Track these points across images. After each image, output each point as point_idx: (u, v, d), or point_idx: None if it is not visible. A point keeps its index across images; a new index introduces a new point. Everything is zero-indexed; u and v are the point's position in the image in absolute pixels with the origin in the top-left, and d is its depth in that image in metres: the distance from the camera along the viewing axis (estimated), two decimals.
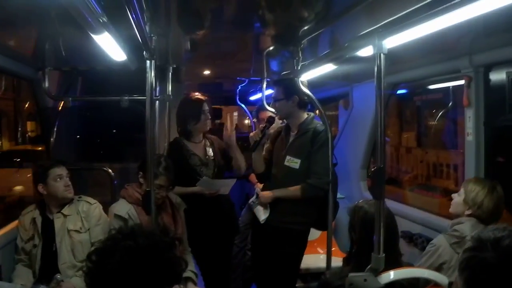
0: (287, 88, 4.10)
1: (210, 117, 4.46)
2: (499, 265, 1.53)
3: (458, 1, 1.91)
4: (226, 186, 4.37)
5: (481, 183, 3.17)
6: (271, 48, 4.13)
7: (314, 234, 5.01)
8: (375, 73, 2.23)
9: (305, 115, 4.15)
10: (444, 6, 1.97)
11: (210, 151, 4.47)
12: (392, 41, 2.36)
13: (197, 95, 4.46)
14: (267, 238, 4.14)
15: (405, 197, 6.12)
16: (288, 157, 4.06)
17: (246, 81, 6.43)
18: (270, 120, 4.20)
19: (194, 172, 4.33)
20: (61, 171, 3.79)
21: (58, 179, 3.75)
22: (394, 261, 2.52)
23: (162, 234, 1.79)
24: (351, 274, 2.16)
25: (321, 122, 4.09)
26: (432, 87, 5.38)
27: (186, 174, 4.28)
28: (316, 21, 3.21)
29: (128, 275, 1.63)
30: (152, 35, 3.16)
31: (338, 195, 4.86)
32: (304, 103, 4.14)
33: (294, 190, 4.00)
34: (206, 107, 4.40)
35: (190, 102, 4.44)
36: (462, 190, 3.22)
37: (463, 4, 1.91)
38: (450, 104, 5.64)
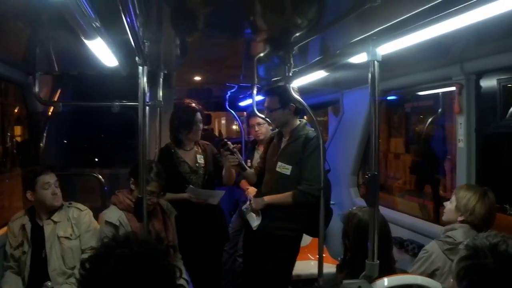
0: (282, 96, 4.09)
1: (201, 128, 4.51)
2: (499, 270, 1.54)
3: (451, 10, 1.93)
4: (214, 197, 4.39)
5: (472, 189, 3.19)
6: (262, 54, 4.12)
7: (305, 240, 4.98)
8: (369, 80, 2.24)
9: (298, 122, 4.16)
10: (438, 15, 1.99)
11: (201, 159, 4.50)
12: (385, 49, 2.37)
13: (191, 103, 4.46)
14: (259, 244, 4.14)
15: (393, 202, 6.15)
16: (279, 163, 4.06)
17: (236, 87, 6.42)
18: (223, 144, 4.29)
19: (183, 179, 4.38)
20: (50, 178, 3.75)
21: (47, 186, 3.71)
22: (388, 268, 2.52)
23: (156, 242, 1.78)
24: (345, 281, 2.17)
25: (312, 129, 4.10)
26: (421, 93, 5.41)
27: (176, 181, 4.27)
28: (308, 28, 3.21)
29: (122, 283, 1.61)
30: (144, 40, 3.15)
31: None
32: (299, 110, 4.16)
33: (285, 196, 4.01)
34: (199, 117, 4.45)
35: (182, 111, 4.46)
36: (453, 197, 3.24)
37: (457, 13, 1.94)
38: (440, 111, 5.67)
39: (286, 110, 4.10)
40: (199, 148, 4.59)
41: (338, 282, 2.26)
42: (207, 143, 4.71)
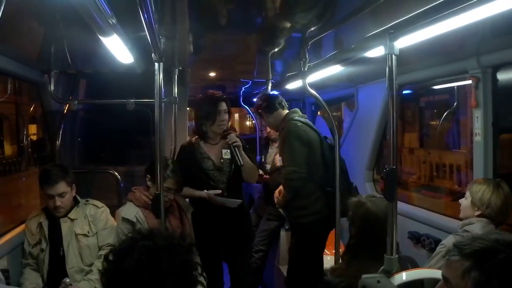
0: (257, 111, 4.59)
1: (226, 119, 4.16)
2: None
3: (469, 3, 1.91)
4: (231, 203, 4.07)
5: (485, 182, 3.17)
6: (276, 49, 4.12)
7: None
8: (387, 74, 2.22)
9: (283, 114, 4.48)
10: (457, 7, 1.97)
11: (227, 154, 4.19)
12: (402, 42, 2.35)
13: (214, 93, 4.23)
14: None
15: (409, 197, 6.13)
16: (279, 158, 4.42)
17: (250, 83, 6.43)
18: (225, 135, 4.17)
19: (207, 176, 4.14)
20: (52, 190, 3.62)
21: (49, 197, 3.65)
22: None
23: (180, 238, 1.79)
24: (364, 276, 2.16)
25: (295, 119, 4.31)
26: (436, 87, 5.39)
27: (199, 179, 4.12)
28: (324, 22, 3.20)
29: (144, 275, 1.63)
30: (160, 37, 3.15)
31: None
32: (270, 106, 4.49)
33: (282, 190, 4.28)
34: (223, 107, 4.14)
35: (205, 101, 4.21)
36: (468, 193, 3.21)
37: (476, 5, 1.92)
38: (455, 104, 5.64)
39: (263, 118, 4.62)
40: (225, 142, 4.18)
41: (345, 273, 2.29)
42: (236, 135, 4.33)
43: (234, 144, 4.03)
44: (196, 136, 4.27)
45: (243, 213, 4.33)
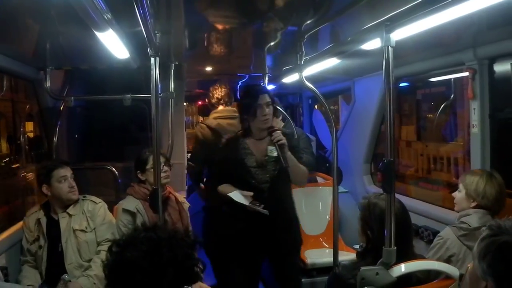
0: None
1: (268, 113, 3.66)
2: None
3: None
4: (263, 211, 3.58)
5: (477, 173, 3.18)
6: (272, 43, 4.11)
7: (319, 228, 5.03)
8: (383, 67, 2.22)
9: None
10: None
11: (274, 151, 3.68)
12: (398, 34, 2.35)
13: (255, 85, 4.00)
14: None
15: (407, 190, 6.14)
16: None
17: (246, 77, 6.42)
18: (270, 132, 3.67)
19: (248, 174, 3.72)
20: (65, 172, 3.74)
21: (63, 180, 3.71)
22: (411, 255, 2.51)
23: (185, 234, 1.80)
24: (363, 268, 2.17)
25: None
26: (432, 80, 5.39)
27: (239, 176, 3.73)
28: (319, 15, 3.20)
29: (145, 264, 1.63)
30: (156, 31, 3.14)
31: (342, 189, 4.86)
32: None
33: None
34: (266, 99, 3.65)
35: (245, 94, 3.84)
36: (461, 186, 3.21)
37: None
38: (452, 97, 5.64)
39: None
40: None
41: (357, 269, 2.26)
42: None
43: (279, 142, 3.59)
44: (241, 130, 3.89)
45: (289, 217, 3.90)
